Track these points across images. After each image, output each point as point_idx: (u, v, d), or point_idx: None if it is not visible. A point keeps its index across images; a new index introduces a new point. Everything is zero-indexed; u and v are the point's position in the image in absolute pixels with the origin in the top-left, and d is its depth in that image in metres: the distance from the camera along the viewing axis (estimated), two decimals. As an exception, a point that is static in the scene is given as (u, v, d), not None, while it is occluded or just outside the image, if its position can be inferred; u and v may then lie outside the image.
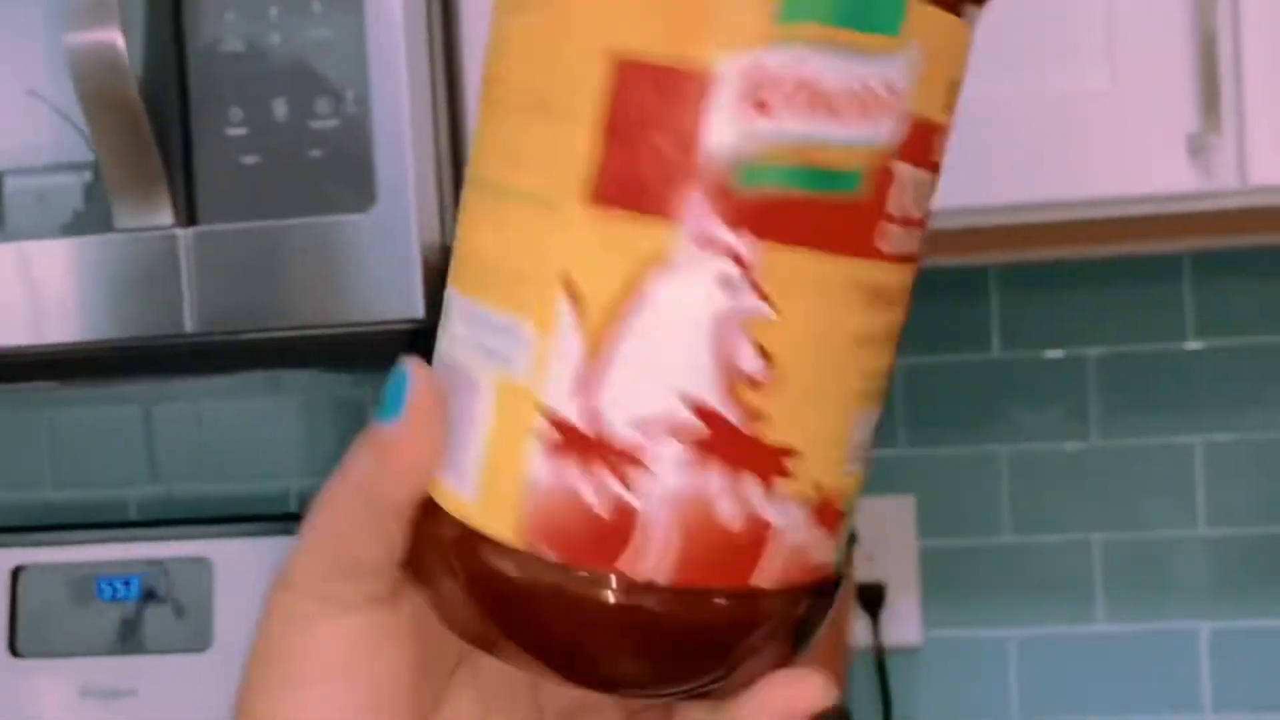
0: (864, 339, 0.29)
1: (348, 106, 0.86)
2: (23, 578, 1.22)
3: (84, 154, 0.90)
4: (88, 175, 0.90)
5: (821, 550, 0.30)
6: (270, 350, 0.91)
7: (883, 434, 1.26)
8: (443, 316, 0.31)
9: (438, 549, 0.30)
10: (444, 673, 0.34)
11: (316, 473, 1.31)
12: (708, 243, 0.27)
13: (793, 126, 0.27)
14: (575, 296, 0.28)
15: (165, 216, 0.88)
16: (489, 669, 0.35)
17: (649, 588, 0.28)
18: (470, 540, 0.29)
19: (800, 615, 0.30)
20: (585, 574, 0.28)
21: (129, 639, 1.20)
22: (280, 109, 0.87)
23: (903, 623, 1.26)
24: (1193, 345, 1.23)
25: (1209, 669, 1.23)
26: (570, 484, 0.28)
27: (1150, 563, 1.24)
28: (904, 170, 0.29)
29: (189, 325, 0.89)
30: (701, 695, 0.30)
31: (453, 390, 0.30)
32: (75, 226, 0.90)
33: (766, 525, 0.28)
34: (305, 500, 1.30)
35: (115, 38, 0.85)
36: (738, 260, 0.27)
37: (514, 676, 0.35)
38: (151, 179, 0.87)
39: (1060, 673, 1.25)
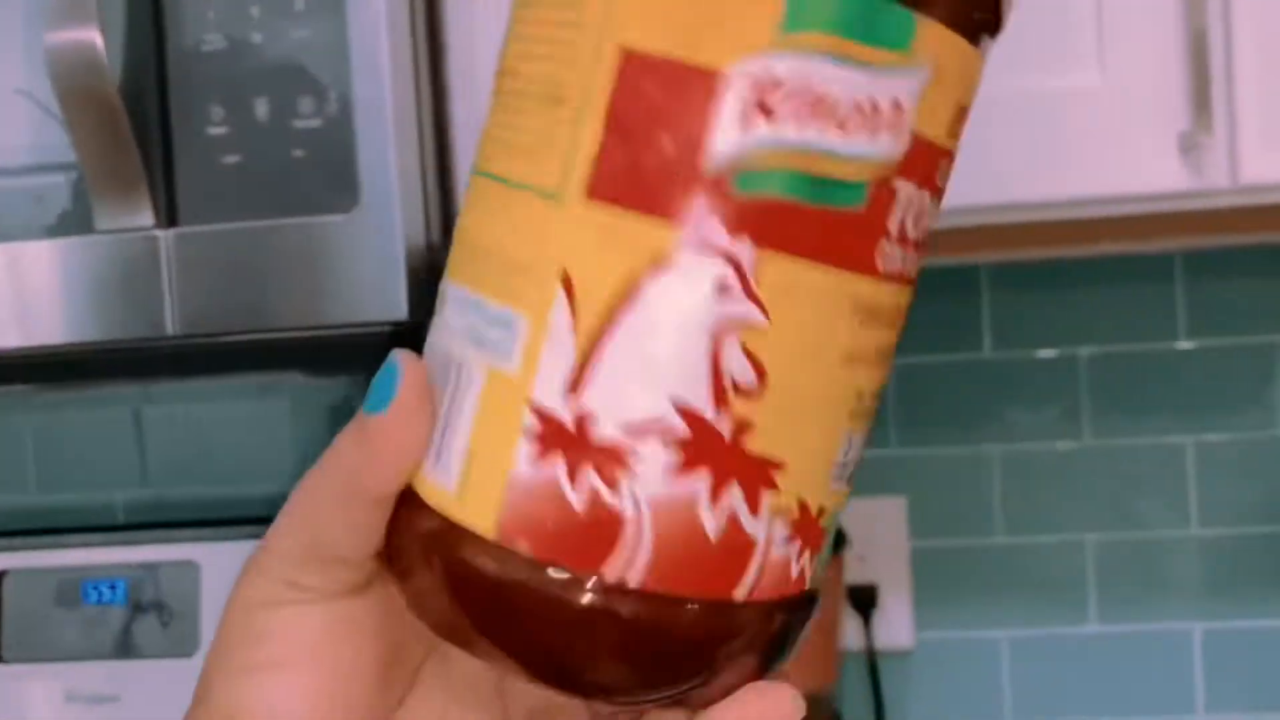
0: (857, 356, 0.29)
1: (330, 106, 0.86)
2: (8, 582, 1.21)
3: (67, 155, 0.89)
4: (73, 175, 0.89)
5: (801, 565, 0.30)
6: (253, 352, 0.90)
7: (874, 434, 1.25)
8: (436, 307, 0.31)
9: (415, 540, 0.30)
10: (411, 667, 0.34)
11: (305, 475, 1.31)
12: (707, 246, 0.27)
13: (795, 133, 0.27)
14: (572, 292, 0.28)
15: (146, 217, 0.87)
16: (457, 666, 0.34)
17: (624, 592, 0.28)
18: (448, 533, 0.29)
19: (776, 629, 0.30)
20: (561, 573, 0.28)
21: (115, 643, 1.19)
22: (262, 109, 0.87)
23: (895, 624, 1.26)
24: (1184, 345, 1.23)
25: (1202, 670, 1.23)
26: (553, 481, 0.28)
27: (1143, 563, 1.23)
28: (906, 189, 0.29)
29: (170, 327, 0.88)
30: (673, 704, 0.30)
31: (441, 381, 0.30)
32: (59, 228, 0.89)
33: (747, 536, 0.28)
34: (293, 503, 1.29)
35: (94, 37, 0.84)
36: (735, 266, 0.27)
37: (481, 675, 0.34)
38: (132, 179, 0.86)
39: (1053, 674, 1.25)
